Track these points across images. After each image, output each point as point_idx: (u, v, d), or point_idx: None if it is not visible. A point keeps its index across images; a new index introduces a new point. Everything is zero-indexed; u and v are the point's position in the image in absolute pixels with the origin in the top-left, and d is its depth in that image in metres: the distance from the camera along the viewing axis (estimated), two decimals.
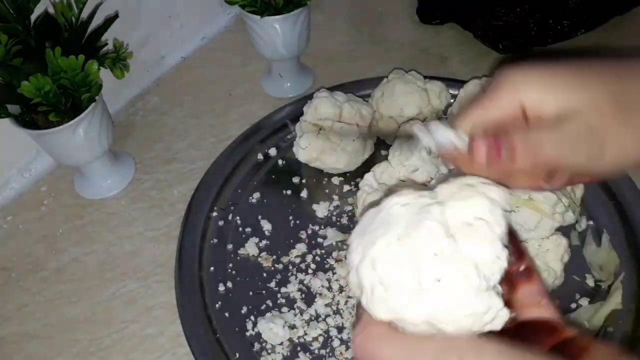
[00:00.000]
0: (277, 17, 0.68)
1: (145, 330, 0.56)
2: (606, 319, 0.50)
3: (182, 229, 0.60)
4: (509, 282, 0.30)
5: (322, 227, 0.61)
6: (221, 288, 0.56)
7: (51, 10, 0.61)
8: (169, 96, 0.79)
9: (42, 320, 0.58)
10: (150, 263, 0.61)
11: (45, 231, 0.65)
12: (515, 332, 0.28)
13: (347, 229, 0.60)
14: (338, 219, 0.61)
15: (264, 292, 0.56)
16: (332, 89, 0.67)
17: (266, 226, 0.61)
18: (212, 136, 0.73)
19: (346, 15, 0.89)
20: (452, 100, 0.67)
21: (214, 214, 0.62)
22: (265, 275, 0.57)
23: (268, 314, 0.54)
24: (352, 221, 0.61)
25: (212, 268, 0.58)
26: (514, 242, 0.31)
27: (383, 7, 0.89)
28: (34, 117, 0.60)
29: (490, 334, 0.27)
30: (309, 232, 0.61)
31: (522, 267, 0.31)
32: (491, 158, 0.31)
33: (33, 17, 0.58)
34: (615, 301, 0.50)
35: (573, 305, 0.52)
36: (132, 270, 0.61)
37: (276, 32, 0.69)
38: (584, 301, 0.52)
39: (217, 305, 0.55)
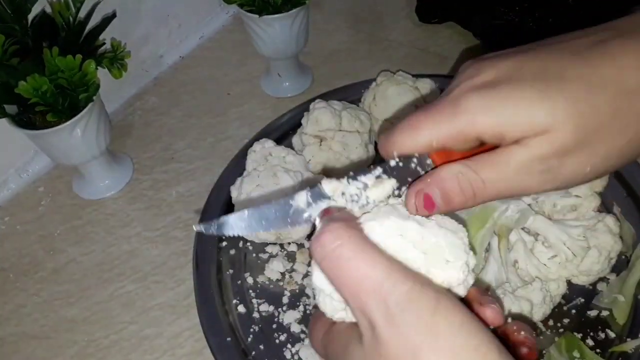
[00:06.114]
0: (276, 16, 0.67)
1: (143, 331, 0.56)
2: (636, 287, 0.50)
3: (194, 262, 0.56)
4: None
5: None
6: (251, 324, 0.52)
7: (48, 9, 0.61)
8: (167, 96, 0.79)
9: (40, 321, 0.58)
10: (149, 263, 0.61)
11: (43, 231, 0.65)
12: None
13: None
14: None
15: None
16: (322, 96, 0.65)
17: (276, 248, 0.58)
18: (211, 136, 0.73)
19: (345, 14, 0.89)
20: None
21: (224, 243, 0.58)
22: (286, 298, 0.54)
23: (306, 339, 0.51)
24: None
25: (235, 301, 0.54)
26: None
27: (382, 6, 0.89)
28: (32, 117, 0.59)
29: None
30: None
31: None
32: (426, 208, 0.30)
33: (30, 16, 0.58)
34: (639, 269, 0.51)
35: (603, 283, 0.52)
36: (130, 270, 0.61)
37: (275, 31, 0.69)
38: (612, 276, 0.52)
39: (249, 339, 0.51)
